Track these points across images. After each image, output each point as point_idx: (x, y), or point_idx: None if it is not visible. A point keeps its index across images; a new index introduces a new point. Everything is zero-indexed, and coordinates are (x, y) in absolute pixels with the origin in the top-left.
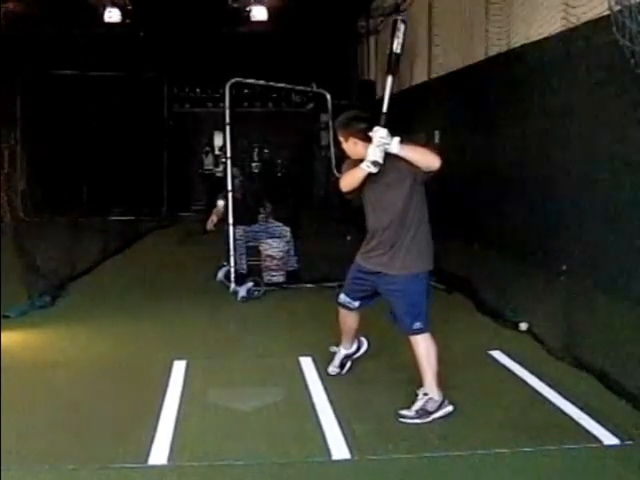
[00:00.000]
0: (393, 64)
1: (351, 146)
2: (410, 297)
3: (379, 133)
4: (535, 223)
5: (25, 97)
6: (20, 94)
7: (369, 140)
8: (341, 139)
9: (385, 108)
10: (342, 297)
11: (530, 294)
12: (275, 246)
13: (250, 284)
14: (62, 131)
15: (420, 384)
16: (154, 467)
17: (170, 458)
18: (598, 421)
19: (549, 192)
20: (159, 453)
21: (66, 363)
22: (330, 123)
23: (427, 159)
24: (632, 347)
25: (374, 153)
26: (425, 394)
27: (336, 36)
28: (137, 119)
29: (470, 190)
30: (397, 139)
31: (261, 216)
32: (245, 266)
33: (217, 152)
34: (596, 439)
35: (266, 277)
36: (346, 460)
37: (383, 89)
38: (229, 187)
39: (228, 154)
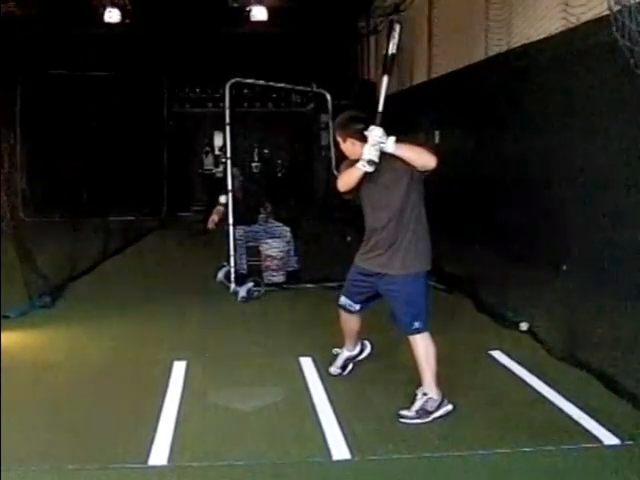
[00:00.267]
0: (389, 64)
1: (349, 146)
2: (409, 297)
3: (375, 132)
4: (535, 223)
5: (25, 97)
6: (20, 94)
7: (366, 140)
8: (339, 139)
9: (381, 108)
10: (343, 299)
11: (530, 294)
12: (275, 246)
13: (250, 284)
14: (62, 131)
15: (420, 384)
16: (154, 467)
17: (170, 458)
18: (598, 421)
19: (549, 191)
20: (159, 453)
21: (66, 363)
22: (330, 123)
23: (423, 158)
24: (632, 347)
25: (370, 152)
26: (424, 394)
27: (336, 36)
28: (137, 119)
29: (470, 190)
30: (393, 138)
31: (261, 216)
32: (245, 266)
33: (217, 152)
34: (596, 439)
35: (266, 277)
36: (346, 460)
37: (374, 89)
38: (229, 187)
39: (228, 154)
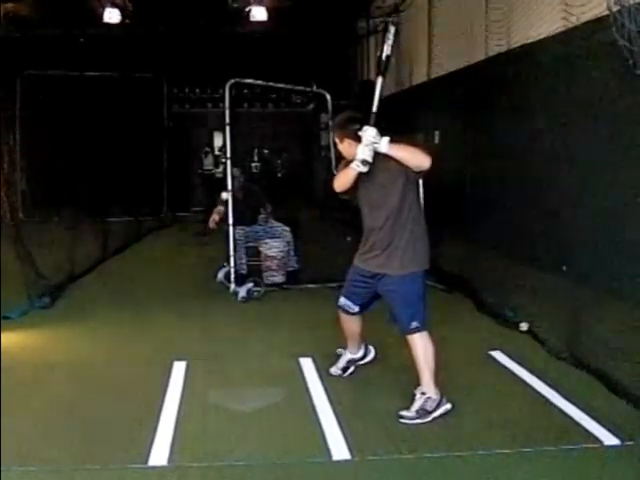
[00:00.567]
0: (383, 66)
1: (346, 147)
2: (407, 296)
3: (368, 132)
4: (535, 223)
5: (24, 97)
6: (19, 94)
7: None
8: (336, 140)
9: (375, 108)
10: (342, 300)
11: (530, 294)
12: (275, 246)
13: (250, 284)
14: (61, 131)
15: (418, 384)
16: (154, 468)
17: (170, 459)
18: (599, 421)
19: (550, 192)
20: (159, 454)
21: (66, 364)
22: (330, 123)
23: (417, 159)
24: (632, 347)
25: (363, 152)
26: (423, 393)
27: (336, 36)
28: (137, 119)
29: (470, 190)
30: (386, 139)
31: (261, 216)
32: (245, 266)
33: (217, 152)
34: (597, 439)
35: (266, 277)
36: (346, 460)
37: (374, 90)
38: (229, 187)
39: (228, 154)
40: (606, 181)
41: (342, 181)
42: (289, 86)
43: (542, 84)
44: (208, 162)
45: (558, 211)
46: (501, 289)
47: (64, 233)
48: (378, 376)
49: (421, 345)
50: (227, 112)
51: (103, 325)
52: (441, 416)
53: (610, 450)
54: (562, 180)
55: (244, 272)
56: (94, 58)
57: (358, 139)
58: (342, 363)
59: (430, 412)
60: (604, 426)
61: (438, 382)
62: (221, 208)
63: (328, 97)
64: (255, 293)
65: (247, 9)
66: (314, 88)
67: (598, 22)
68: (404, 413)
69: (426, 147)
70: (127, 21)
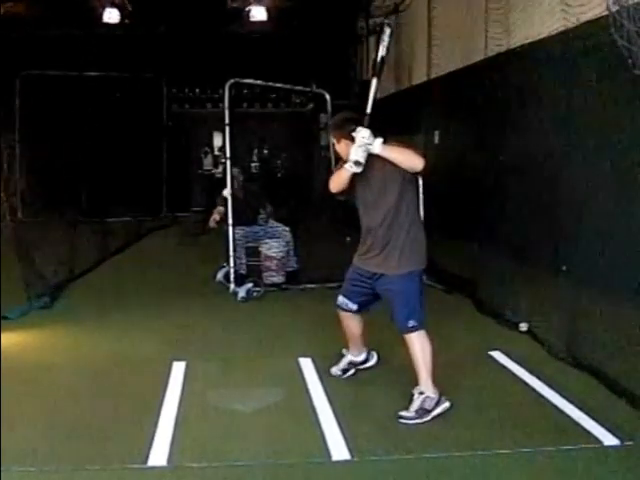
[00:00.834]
0: (378, 67)
1: (343, 147)
2: (404, 295)
3: (361, 133)
4: (535, 223)
5: (24, 97)
6: (19, 94)
7: None
8: (334, 141)
9: (369, 109)
10: (340, 299)
11: (530, 294)
12: (275, 247)
13: (250, 285)
14: (61, 132)
15: (416, 384)
16: (154, 468)
17: (170, 459)
18: (598, 421)
19: (549, 192)
20: (159, 454)
21: (65, 364)
22: (330, 123)
23: (410, 160)
24: (632, 347)
25: (356, 153)
26: (421, 393)
27: (336, 36)
28: (136, 120)
29: (469, 190)
30: (379, 140)
31: (261, 216)
32: (245, 267)
33: (216, 153)
34: (596, 439)
35: (266, 278)
36: (346, 461)
37: (369, 91)
38: (229, 187)
39: (228, 155)
40: (607, 180)
41: (337, 182)
42: (289, 86)
43: (542, 83)
44: (207, 162)
45: (558, 210)
46: (501, 289)
47: (64, 233)
48: (378, 376)
49: (418, 344)
50: (227, 112)
51: (102, 325)
52: (441, 415)
53: (610, 450)
54: (561, 178)
55: (244, 272)
56: (93, 58)
57: (355, 140)
58: (343, 364)
59: (429, 411)
60: (603, 426)
61: (437, 381)
62: (221, 208)
63: (327, 97)
64: (255, 293)
65: (247, 9)
66: (314, 88)
67: (597, 22)
68: (403, 413)
69: (420, 148)
70: (126, 21)
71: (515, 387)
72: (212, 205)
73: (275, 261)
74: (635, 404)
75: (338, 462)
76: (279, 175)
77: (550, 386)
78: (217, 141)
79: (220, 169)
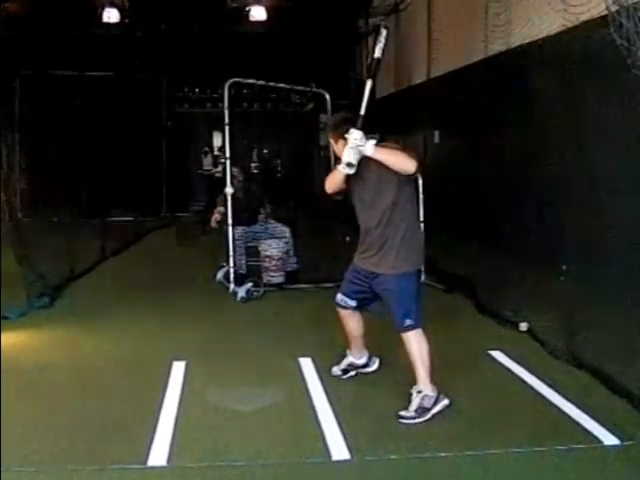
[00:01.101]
0: (373, 69)
1: (340, 147)
2: (400, 295)
3: (353, 135)
4: (535, 223)
5: (23, 97)
6: (18, 94)
7: None
8: (331, 141)
9: (363, 111)
10: (339, 296)
11: (530, 294)
12: (275, 246)
13: (249, 285)
14: (61, 131)
15: (414, 383)
16: (153, 468)
17: (169, 459)
18: (598, 421)
19: (549, 192)
20: (158, 454)
21: (65, 364)
22: (328, 124)
23: (401, 163)
24: (632, 347)
25: (348, 155)
26: (419, 392)
27: (336, 36)
28: (136, 119)
29: (469, 189)
30: (372, 142)
31: (261, 216)
32: (244, 266)
33: (216, 152)
34: (596, 439)
35: (265, 278)
36: (346, 461)
37: (363, 92)
38: (229, 185)
39: (227, 154)
40: (607, 179)
41: (331, 183)
42: (288, 86)
43: (542, 83)
44: (207, 162)
45: (559, 209)
46: (501, 289)
47: (63, 233)
48: (378, 376)
49: (415, 343)
50: (226, 112)
51: (102, 325)
52: (441, 415)
53: (610, 450)
54: (561, 178)
55: (243, 272)
56: (93, 58)
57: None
58: (343, 365)
59: (429, 409)
60: (604, 426)
61: (437, 381)
62: (222, 208)
63: (327, 97)
64: (254, 293)
65: (246, 9)
66: (313, 88)
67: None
68: (403, 413)
69: (420, 148)
70: (126, 21)
71: (515, 387)
72: (212, 205)
73: (275, 261)
74: (635, 404)
75: (338, 462)
76: (279, 175)
77: (550, 386)
78: (217, 141)
79: (220, 169)
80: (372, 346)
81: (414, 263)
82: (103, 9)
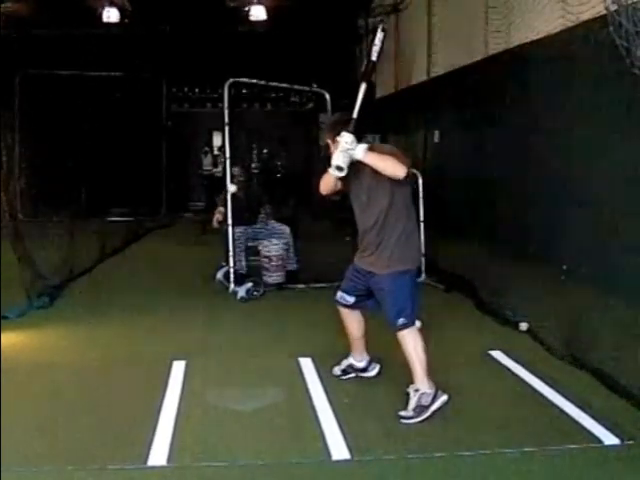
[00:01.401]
0: (369, 71)
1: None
2: (394, 294)
3: (344, 139)
4: (535, 223)
5: (23, 97)
6: (18, 94)
7: None
8: (329, 142)
9: (356, 114)
10: (338, 293)
11: (530, 293)
12: (275, 246)
13: (249, 284)
14: (60, 131)
15: (411, 382)
16: (153, 468)
17: (170, 459)
18: (598, 421)
19: (549, 192)
20: (158, 454)
21: (65, 364)
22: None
23: (391, 168)
24: (632, 346)
25: (338, 158)
26: (416, 390)
27: (336, 36)
28: (135, 119)
29: (469, 189)
30: (362, 146)
31: (261, 216)
32: (244, 266)
33: (216, 152)
34: (597, 439)
35: (265, 277)
36: (346, 460)
37: (357, 94)
38: (232, 184)
39: (227, 154)
40: (607, 179)
41: (324, 184)
42: (288, 86)
43: (541, 83)
44: (207, 162)
45: (558, 209)
46: (501, 288)
47: (63, 233)
48: (378, 376)
49: (411, 341)
50: (226, 112)
51: (102, 325)
52: (440, 415)
53: (610, 450)
54: (561, 178)
55: (243, 272)
56: (93, 58)
57: None
58: (344, 365)
59: (427, 407)
60: (604, 425)
61: (437, 381)
62: (222, 208)
63: (327, 97)
64: (254, 293)
65: (246, 8)
66: (313, 88)
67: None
68: (403, 413)
69: (405, 156)
70: (126, 21)
71: (515, 386)
72: (212, 205)
73: (275, 261)
74: (635, 404)
75: (338, 462)
76: (279, 175)
77: (550, 385)
78: (217, 141)
79: (220, 169)
80: (372, 346)
81: (409, 262)
82: (103, 9)
